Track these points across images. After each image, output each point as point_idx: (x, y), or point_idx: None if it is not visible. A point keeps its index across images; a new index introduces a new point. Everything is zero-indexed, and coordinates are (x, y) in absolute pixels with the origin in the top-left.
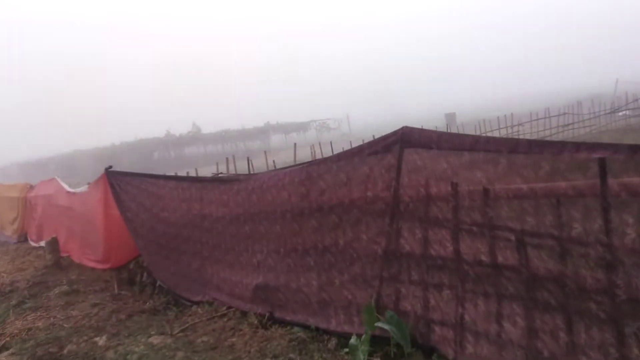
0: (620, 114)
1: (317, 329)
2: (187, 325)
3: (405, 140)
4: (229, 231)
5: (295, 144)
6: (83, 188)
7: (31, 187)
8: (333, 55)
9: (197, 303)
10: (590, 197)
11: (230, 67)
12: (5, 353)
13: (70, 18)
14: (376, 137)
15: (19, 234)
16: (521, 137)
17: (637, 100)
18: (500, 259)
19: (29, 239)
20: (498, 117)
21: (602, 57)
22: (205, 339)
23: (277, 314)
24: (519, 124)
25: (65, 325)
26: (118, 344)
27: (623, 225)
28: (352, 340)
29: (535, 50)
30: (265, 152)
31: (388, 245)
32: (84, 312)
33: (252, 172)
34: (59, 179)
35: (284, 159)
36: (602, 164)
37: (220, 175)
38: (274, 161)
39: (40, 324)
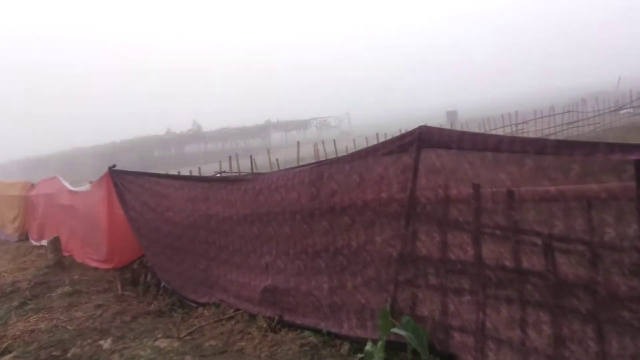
0: (622, 112)
1: (329, 333)
2: (194, 328)
3: (422, 140)
4: (236, 232)
5: (298, 142)
6: (85, 187)
7: (32, 186)
8: (334, 53)
9: (203, 305)
10: (624, 201)
11: (231, 65)
12: (8, 356)
13: (73, 19)
14: (378, 135)
15: (19, 232)
16: (525, 135)
17: None
18: (525, 264)
19: (30, 238)
20: (502, 115)
21: (604, 55)
22: (213, 342)
23: (287, 318)
24: (524, 122)
25: (68, 328)
26: (124, 347)
27: None
28: (368, 347)
29: (537, 49)
30: (268, 150)
31: (404, 249)
32: (88, 314)
33: (255, 171)
34: (60, 178)
35: (284, 156)
36: (638, 166)
37: (223, 173)
38: (277, 159)
39: (42, 325)
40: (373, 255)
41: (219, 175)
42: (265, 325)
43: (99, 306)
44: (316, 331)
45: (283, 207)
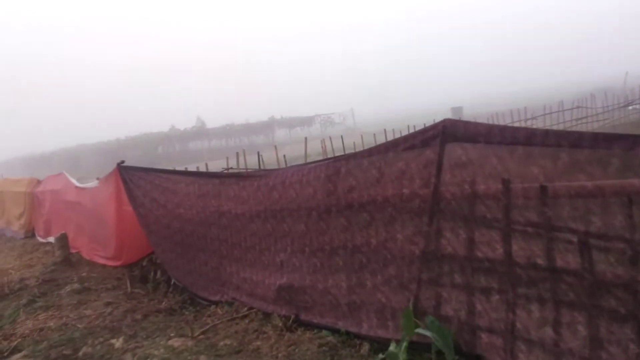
0: (630, 107)
1: (347, 333)
2: (207, 326)
3: (446, 134)
4: (249, 229)
5: (305, 138)
6: (93, 183)
7: (38, 182)
8: (337, 49)
9: (215, 303)
10: None
11: (234, 62)
12: (18, 355)
13: (78, 15)
14: (386, 131)
15: (25, 229)
16: None
17: None
18: (559, 262)
19: (36, 235)
20: (511, 111)
21: (609, 51)
22: (228, 342)
23: (303, 317)
24: (533, 117)
25: (78, 326)
26: (136, 346)
27: None
28: (392, 348)
29: (540, 45)
30: (275, 146)
31: (427, 246)
32: (98, 312)
33: (262, 167)
34: (67, 174)
35: (289, 153)
36: None
37: (230, 169)
38: (284, 155)
39: (52, 324)
40: (394, 253)
41: (227, 171)
42: (280, 324)
43: (108, 304)
44: (334, 331)
45: (298, 204)
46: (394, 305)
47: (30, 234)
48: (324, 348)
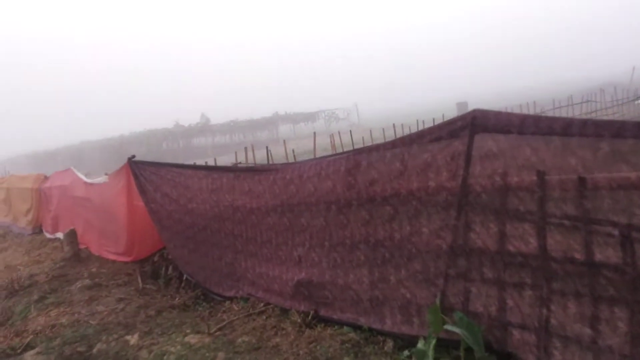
0: (637, 102)
1: (370, 329)
2: (224, 323)
3: (476, 125)
4: (265, 223)
5: (314, 133)
6: (102, 178)
7: (45, 178)
8: (342, 46)
9: (230, 299)
10: None
11: (239, 58)
12: (32, 352)
13: (81, 15)
14: (393, 126)
15: (33, 225)
16: None
17: None
18: (598, 256)
19: (44, 231)
20: (520, 105)
21: (614, 46)
22: (246, 338)
23: (323, 312)
24: (542, 112)
25: (91, 322)
26: (152, 343)
27: None
28: (420, 345)
29: (545, 41)
30: (284, 140)
31: (455, 240)
32: (110, 308)
33: (271, 162)
34: (75, 170)
35: (294, 148)
36: None
37: (239, 164)
38: (293, 150)
39: (64, 320)
40: (419, 247)
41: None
42: (299, 321)
43: (120, 300)
44: (355, 327)
45: (317, 197)
46: (420, 301)
47: (38, 230)
48: (346, 345)
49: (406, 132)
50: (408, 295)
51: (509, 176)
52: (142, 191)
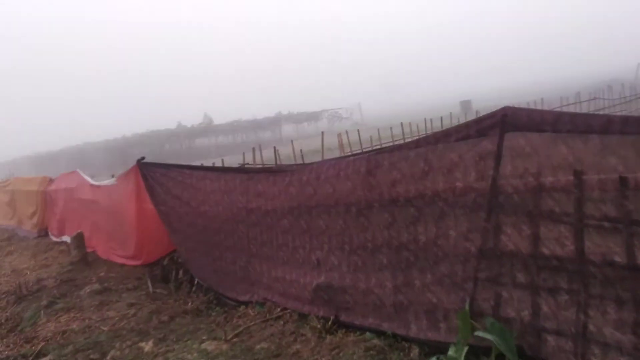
0: None
1: (394, 335)
2: (240, 329)
3: (506, 123)
4: (280, 226)
5: (322, 132)
6: (110, 181)
7: (51, 181)
8: (343, 44)
9: (245, 303)
10: None
11: (242, 58)
12: (44, 359)
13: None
14: (401, 125)
15: (38, 228)
16: None
17: None
18: None
19: (49, 234)
20: (528, 103)
21: (617, 43)
22: (264, 345)
23: (343, 318)
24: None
25: (103, 328)
26: (167, 350)
27: None
28: (451, 352)
29: (547, 38)
30: (292, 141)
31: (484, 243)
32: (121, 313)
33: (279, 162)
34: (81, 172)
35: (298, 148)
36: None
37: (246, 165)
38: (300, 150)
39: (75, 326)
40: (446, 250)
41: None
42: (319, 326)
43: (131, 305)
44: (378, 333)
45: (335, 199)
46: (447, 306)
47: (44, 233)
48: (371, 352)
49: (413, 130)
50: (434, 300)
51: (543, 176)
52: (152, 193)
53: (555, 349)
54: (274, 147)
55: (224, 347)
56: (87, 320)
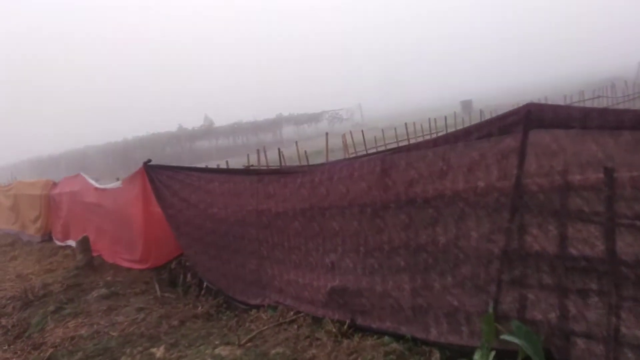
0: None
1: (413, 339)
2: (253, 333)
3: (531, 120)
4: (292, 228)
5: (327, 133)
6: (115, 184)
7: (54, 184)
8: (344, 46)
9: (256, 307)
10: None
11: (242, 59)
12: None
13: (81, 13)
14: (405, 125)
15: (42, 232)
16: None
17: None
18: None
19: (53, 238)
20: (532, 101)
21: (616, 41)
22: (279, 350)
23: (360, 321)
24: None
25: (112, 334)
26: (179, 355)
27: None
28: (477, 357)
29: (545, 36)
30: (296, 142)
31: (508, 244)
32: (130, 318)
33: (284, 164)
34: (85, 175)
35: (300, 149)
36: None
37: (251, 167)
38: (305, 151)
39: (83, 331)
40: (467, 252)
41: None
42: (334, 330)
43: (140, 309)
44: (396, 336)
45: (349, 200)
46: (469, 309)
47: (47, 237)
48: (390, 356)
49: (418, 130)
50: (455, 303)
51: (570, 174)
52: (159, 196)
53: (585, 352)
54: (278, 149)
55: (238, 352)
56: (95, 326)
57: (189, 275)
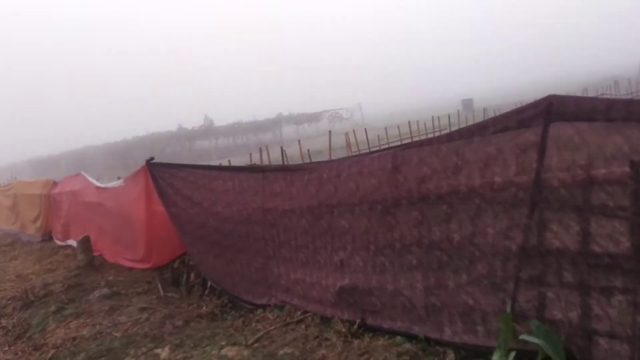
0: None
1: (427, 339)
2: (260, 333)
3: (551, 112)
4: (299, 226)
5: (330, 132)
6: (117, 182)
7: (54, 184)
8: (343, 45)
9: (262, 307)
10: None
11: (242, 60)
12: None
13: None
14: (408, 123)
15: (42, 232)
16: None
17: None
18: None
19: (54, 238)
20: (535, 99)
21: (620, 40)
22: (288, 350)
23: (370, 321)
24: None
25: (115, 334)
26: (185, 356)
27: None
28: (496, 357)
29: (549, 34)
30: (299, 141)
31: (527, 241)
32: (133, 318)
33: (286, 162)
34: (85, 174)
35: (301, 149)
36: None
37: (254, 165)
38: (308, 150)
39: (85, 332)
40: (483, 249)
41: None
42: (344, 330)
43: (143, 309)
44: (408, 336)
45: (359, 197)
46: (485, 308)
47: (48, 237)
48: (403, 357)
49: (421, 128)
50: (470, 302)
51: (594, 168)
52: (162, 195)
53: (609, 352)
54: (281, 147)
55: (245, 353)
56: (98, 326)
57: (192, 275)
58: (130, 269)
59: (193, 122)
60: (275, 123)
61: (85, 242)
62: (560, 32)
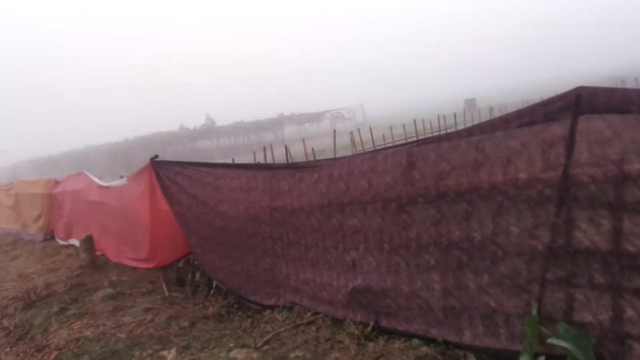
0: None
1: (445, 342)
2: (270, 335)
3: (581, 105)
4: (309, 225)
5: (334, 131)
6: (120, 181)
7: (56, 183)
8: (345, 45)
9: (270, 307)
10: None
11: (242, 60)
12: None
13: (74, 14)
14: (414, 122)
15: (44, 231)
16: None
17: None
18: None
19: (56, 237)
20: (542, 98)
21: (621, 40)
22: (299, 353)
23: (385, 323)
24: None
25: (119, 335)
26: (192, 359)
27: None
28: None
29: (549, 35)
30: (303, 139)
31: (554, 240)
32: (137, 319)
33: (290, 161)
34: (88, 173)
35: (299, 150)
36: None
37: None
38: (312, 149)
39: (89, 333)
40: (507, 249)
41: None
42: (357, 332)
43: (148, 310)
44: (425, 339)
45: (372, 195)
46: (508, 310)
47: (50, 236)
48: None
49: (427, 127)
50: (492, 304)
51: (627, 163)
52: (167, 193)
53: None
54: (285, 146)
55: (255, 355)
56: (101, 327)
57: (197, 274)
58: (134, 268)
59: (194, 122)
60: (277, 123)
61: (88, 242)
62: (561, 32)
